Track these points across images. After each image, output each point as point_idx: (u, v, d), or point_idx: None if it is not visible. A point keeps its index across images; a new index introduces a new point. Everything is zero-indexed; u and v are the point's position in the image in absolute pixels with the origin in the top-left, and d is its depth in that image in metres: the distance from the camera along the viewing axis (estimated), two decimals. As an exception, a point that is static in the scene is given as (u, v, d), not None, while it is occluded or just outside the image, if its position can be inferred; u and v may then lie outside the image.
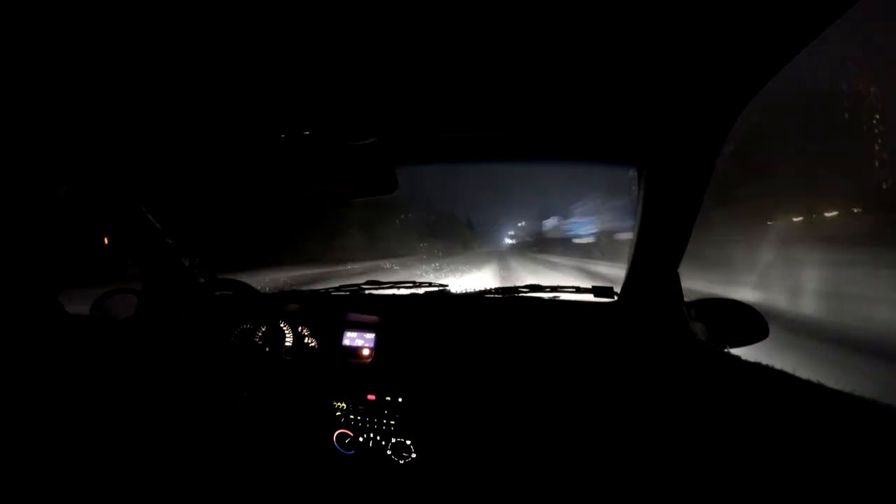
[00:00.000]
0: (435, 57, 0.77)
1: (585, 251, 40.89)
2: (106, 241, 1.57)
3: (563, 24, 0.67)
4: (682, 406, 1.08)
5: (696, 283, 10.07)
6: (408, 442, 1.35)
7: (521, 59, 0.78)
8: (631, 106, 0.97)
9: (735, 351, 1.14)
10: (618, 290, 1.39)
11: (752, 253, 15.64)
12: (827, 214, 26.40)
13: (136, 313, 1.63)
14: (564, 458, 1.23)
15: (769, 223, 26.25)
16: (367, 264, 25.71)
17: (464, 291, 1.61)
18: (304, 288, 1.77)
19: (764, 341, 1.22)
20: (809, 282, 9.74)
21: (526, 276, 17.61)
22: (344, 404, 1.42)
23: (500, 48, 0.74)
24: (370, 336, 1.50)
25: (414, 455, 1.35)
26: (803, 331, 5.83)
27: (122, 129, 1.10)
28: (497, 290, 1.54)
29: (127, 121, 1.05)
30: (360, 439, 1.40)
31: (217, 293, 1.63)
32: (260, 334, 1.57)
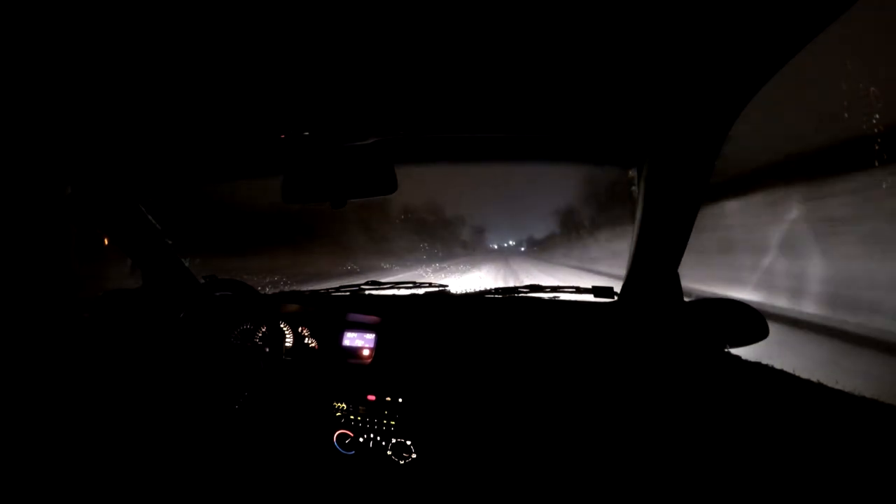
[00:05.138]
0: (435, 57, 0.77)
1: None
2: (106, 241, 1.57)
3: (563, 24, 0.67)
4: (683, 406, 1.08)
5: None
6: (408, 442, 1.35)
7: (522, 59, 0.78)
8: (631, 106, 0.97)
9: (735, 351, 1.14)
10: (618, 290, 1.39)
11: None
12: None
13: (136, 313, 1.63)
14: (565, 458, 1.23)
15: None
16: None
17: (464, 292, 1.61)
18: (304, 288, 1.77)
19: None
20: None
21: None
22: (344, 405, 1.42)
23: (501, 48, 0.74)
24: (370, 336, 1.49)
25: (414, 455, 1.35)
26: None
27: (123, 129, 1.10)
28: (497, 291, 1.54)
29: (127, 121, 1.05)
30: (361, 440, 1.40)
31: (217, 293, 1.62)
32: (260, 335, 1.57)
